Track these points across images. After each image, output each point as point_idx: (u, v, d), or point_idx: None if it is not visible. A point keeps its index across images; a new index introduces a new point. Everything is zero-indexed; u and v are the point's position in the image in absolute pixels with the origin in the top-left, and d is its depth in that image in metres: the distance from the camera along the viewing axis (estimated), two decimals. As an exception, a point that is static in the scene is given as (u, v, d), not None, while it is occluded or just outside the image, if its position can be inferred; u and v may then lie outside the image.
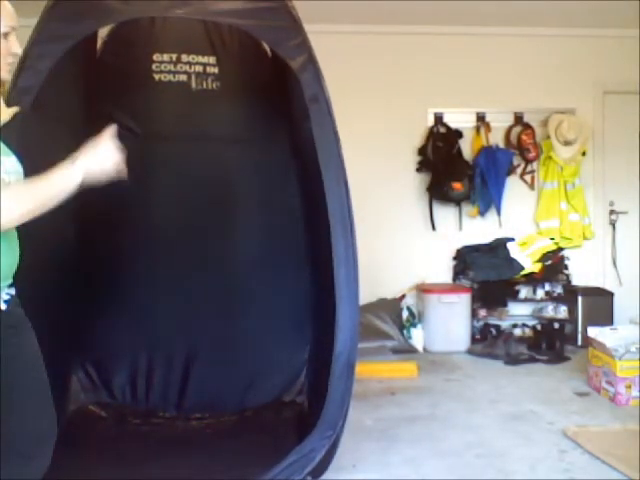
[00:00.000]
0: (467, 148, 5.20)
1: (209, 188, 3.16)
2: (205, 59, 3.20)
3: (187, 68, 3.19)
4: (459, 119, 5.19)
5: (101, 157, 1.45)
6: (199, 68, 3.20)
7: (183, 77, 3.19)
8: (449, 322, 4.81)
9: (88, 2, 2.19)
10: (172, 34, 3.19)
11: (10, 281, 1.50)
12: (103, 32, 3.02)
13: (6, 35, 1.48)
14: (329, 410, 2.24)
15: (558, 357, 4.53)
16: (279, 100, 2.96)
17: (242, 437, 2.83)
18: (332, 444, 2.28)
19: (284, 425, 2.89)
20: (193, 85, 3.20)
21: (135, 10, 2.39)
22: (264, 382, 3.17)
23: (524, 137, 5.16)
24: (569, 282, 5.13)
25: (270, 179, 3.24)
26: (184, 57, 3.18)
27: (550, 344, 4.70)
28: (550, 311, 5.09)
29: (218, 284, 3.20)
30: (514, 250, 5.05)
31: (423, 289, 4.98)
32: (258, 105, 2.87)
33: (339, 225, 2.29)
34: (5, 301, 1.46)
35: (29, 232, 1.51)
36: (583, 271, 5.24)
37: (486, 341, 4.80)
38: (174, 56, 3.18)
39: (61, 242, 2.78)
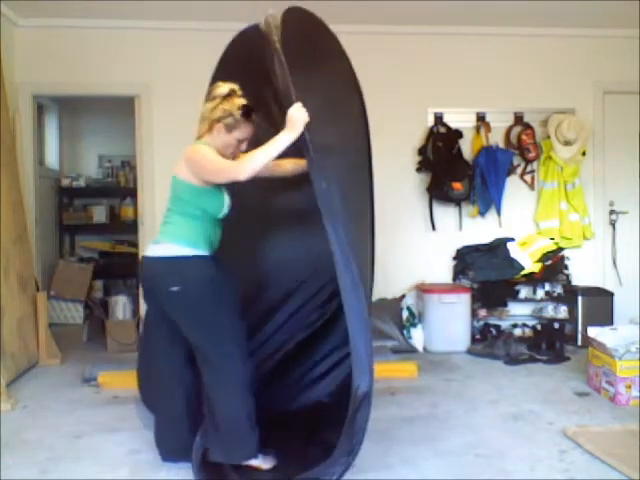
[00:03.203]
0: (467, 148, 5.21)
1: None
2: None
3: None
4: (459, 119, 5.19)
5: (295, 121, 2.34)
6: None
7: None
8: (449, 322, 4.81)
9: None
10: None
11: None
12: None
13: (241, 142, 2.55)
14: (346, 441, 2.31)
15: (558, 357, 4.53)
16: None
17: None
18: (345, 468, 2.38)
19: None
20: None
21: None
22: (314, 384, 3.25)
23: (524, 137, 5.16)
24: (569, 282, 5.13)
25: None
26: None
27: (550, 344, 4.70)
28: (550, 311, 5.09)
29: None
30: (514, 250, 5.05)
31: (423, 289, 4.98)
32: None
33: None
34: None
35: None
36: (583, 271, 5.25)
37: (486, 341, 4.80)
38: None
39: None
